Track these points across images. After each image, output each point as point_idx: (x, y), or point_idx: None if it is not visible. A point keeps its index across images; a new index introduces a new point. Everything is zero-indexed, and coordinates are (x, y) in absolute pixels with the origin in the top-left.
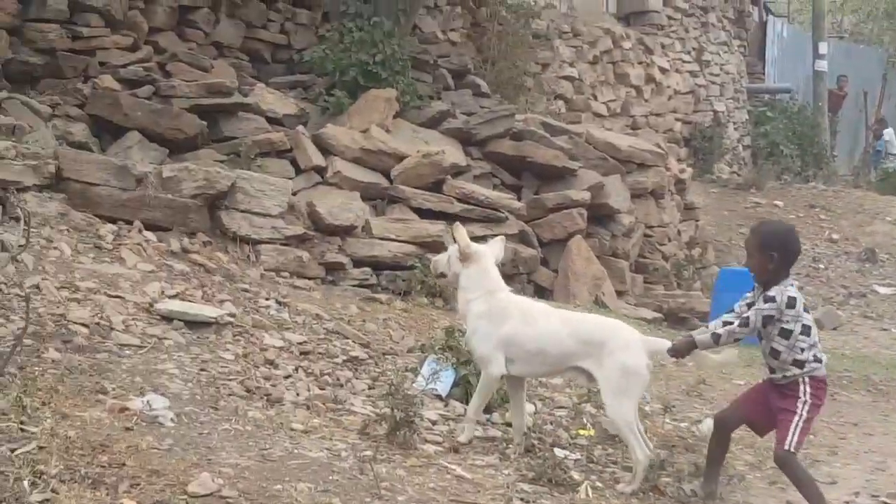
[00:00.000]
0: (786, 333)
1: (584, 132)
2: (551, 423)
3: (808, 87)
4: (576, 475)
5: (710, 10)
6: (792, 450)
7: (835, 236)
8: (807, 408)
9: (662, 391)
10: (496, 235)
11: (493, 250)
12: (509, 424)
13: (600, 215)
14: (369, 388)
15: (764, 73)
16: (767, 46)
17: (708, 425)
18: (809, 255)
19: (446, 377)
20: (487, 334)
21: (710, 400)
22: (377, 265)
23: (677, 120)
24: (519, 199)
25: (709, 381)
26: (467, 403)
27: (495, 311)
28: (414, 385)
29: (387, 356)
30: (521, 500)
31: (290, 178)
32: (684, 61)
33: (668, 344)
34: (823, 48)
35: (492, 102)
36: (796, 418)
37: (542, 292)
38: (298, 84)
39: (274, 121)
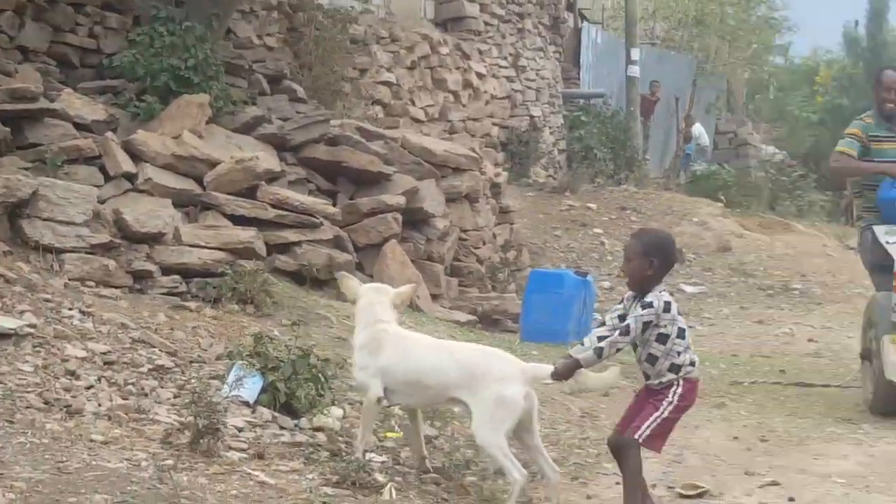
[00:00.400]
0: (663, 338)
1: (399, 137)
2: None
3: (622, 93)
4: (380, 477)
5: (526, 16)
6: (640, 440)
7: None
8: (671, 408)
9: None
10: (311, 241)
11: (390, 290)
12: (317, 429)
13: (415, 220)
14: (175, 397)
15: (579, 79)
16: (582, 52)
17: None
18: (620, 255)
19: (253, 383)
20: (364, 364)
21: None
22: (187, 273)
23: (494, 125)
24: (334, 204)
25: None
26: (276, 410)
27: (373, 342)
28: (220, 392)
29: (194, 364)
30: (324, 503)
31: (99, 186)
32: (501, 67)
33: (549, 369)
34: (636, 54)
35: (308, 108)
36: (656, 413)
37: None
38: (108, 89)
39: (82, 127)
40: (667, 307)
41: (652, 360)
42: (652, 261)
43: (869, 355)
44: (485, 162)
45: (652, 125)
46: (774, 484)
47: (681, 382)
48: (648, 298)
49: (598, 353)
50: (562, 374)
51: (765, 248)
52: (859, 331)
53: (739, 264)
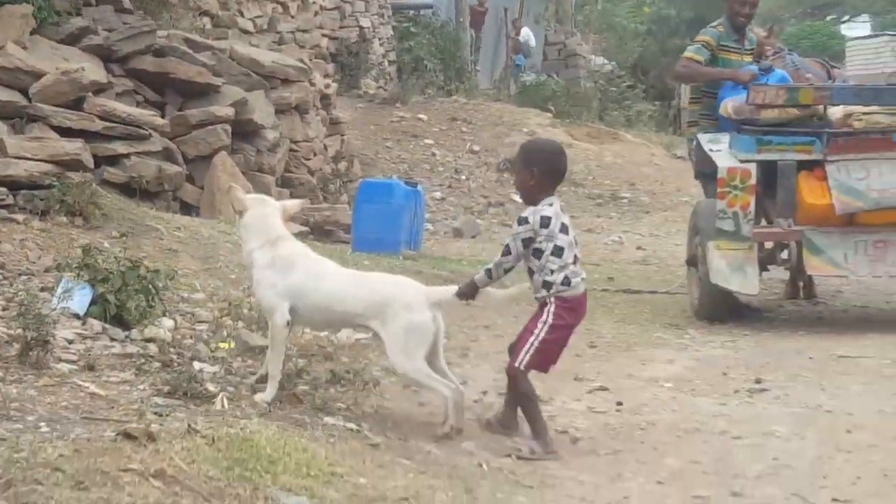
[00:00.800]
0: (538, 254)
1: (227, 48)
2: (191, 338)
3: (451, 3)
4: (212, 387)
5: None
6: (522, 368)
7: (475, 148)
8: (546, 328)
9: None
10: (140, 153)
11: (280, 202)
12: (148, 340)
13: (245, 131)
14: (3, 310)
15: None
16: None
17: (345, 333)
18: (452, 166)
19: (82, 295)
20: (273, 282)
21: None
22: (13, 185)
23: (324, 36)
24: (163, 116)
25: None
26: (106, 322)
27: (282, 260)
28: (49, 305)
29: (23, 276)
30: (155, 413)
31: None
32: None
33: (453, 290)
34: None
35: (134, 18)
36: (532, 338)
37: (188, 209)
38: None
39: None
40: (544, 222)
41: (530, 274)
42: (532, 170)
43: (695, 261)
44: (314, 73)
45: (482, 36)
46: (603, 389)
47: (553, 301)
48: (525, 214)
49: (488, 273)
50: (465, 294)
51: (594, 157)
52: (686, 238)
53: (569, 174)
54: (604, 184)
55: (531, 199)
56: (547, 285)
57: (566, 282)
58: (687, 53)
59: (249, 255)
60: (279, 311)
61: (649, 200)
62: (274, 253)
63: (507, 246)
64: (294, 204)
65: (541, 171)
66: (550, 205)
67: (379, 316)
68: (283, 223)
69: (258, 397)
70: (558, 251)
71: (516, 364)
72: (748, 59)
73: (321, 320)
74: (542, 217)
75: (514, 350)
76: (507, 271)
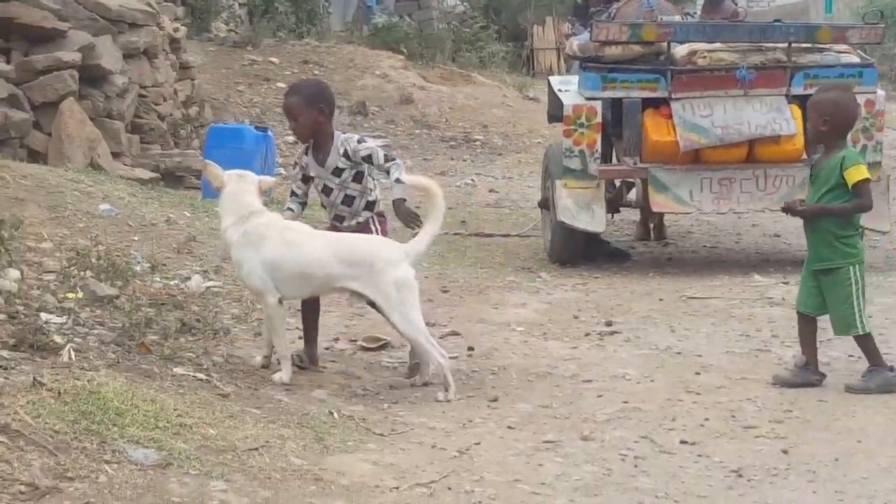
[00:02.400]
0: (359, 177)
1: None
2: (38, 289)
3: None
4: (58, 339)
5: None
6: None
7: None
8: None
9: (153, 249)
10: None
11: (255, 177)
12: None
13: (93, 77)
14: None
15: None
16: None
17: (197, 281)
18: None
19: None
20: (251, 265)
21: (201, 257)
22: None
23: None
24: (8, 61)
25: (199, 239)
26: None
27: (253, 235)
28: None
29: None
30: (1, 367)
31: None
32: None
33: (423, 242)
34: None
35: None
36: None
37: (36, 156)
38: None
39: None
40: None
41: (349, 200)
42: (321, 107)
43: (547, 204)
44: (163, 17)
45: None
46: (455, 334)
47: (375, 219)
48: (354, 136)
49: (401, 183)
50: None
51: (446, 99)
52: (539, 181)
53: (422, 116)
54: (456, 126)
55: (319, 138)
56: (370, 205)
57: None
58: None
59: (224, 233)
60: (268, 292)
61: (502, 143)
62: (244, 229)
63: (383, 154)
64: (270, 179)
65: (327, 108)
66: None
67: (360, 277)
68: (258, 198)
69: (276, 377)
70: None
71: None
72: None
73: (302, 288)
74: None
75: None
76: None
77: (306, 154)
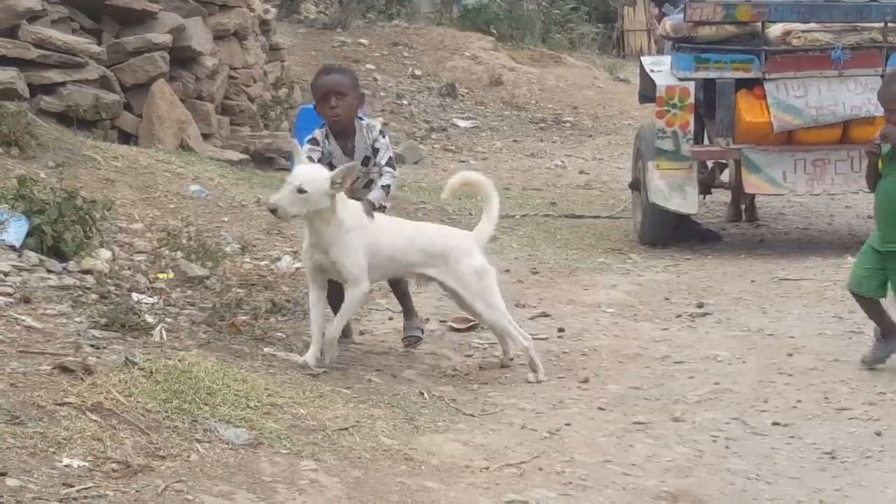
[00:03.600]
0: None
1: None
2: (130, 269)
3: None
4: (150, 319)
5: None
6: None
7: (417, 72)
8: None
9: (243, 230)
10: (76, 81)
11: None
12: (85, 272)
13: (183, 58)
14: None
15: None
16: None
17: (287, 262)
18: (393, 91)
19: (18, 227)
20: (358, 251)
21: (290, 237)
22: None
23: None
24: (99, 43)
25: None
26: (43, 253)
27: (357, 221)
28: None
29: None
30: (92, 346)
31: None
32: None
33: (488, 231)
34: None
35: None
36: None
37: (126, 138)
38: None
39: None
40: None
41: (369, 185)
42: (363, 94)
43: (638, 185)
44: None
45: None
46: (545, 315)
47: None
48: (374, 123)
49: (387, 191)
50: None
51: (536, 81)
52: (630, 162)
53: (511, 98)
54: (546, 108)
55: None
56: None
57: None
58: None
59: (339, 228)
60: (365, 280)
61: (592, 124)
62: (352, 216)
63: (392, 158)
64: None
65: (362, 93)
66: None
67: (439, 266)
68: None
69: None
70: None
71: None
72: None
73: (384, 274)
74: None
75: None
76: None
77: (327, 139)
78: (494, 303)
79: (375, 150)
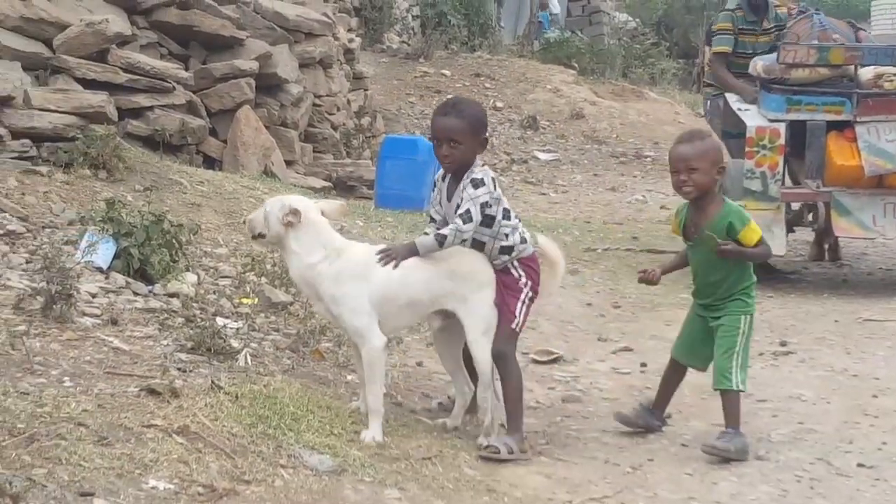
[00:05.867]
0: (489, 221)
1: (252, 1)
2: (215, 293)
3: None
4: (235, 343)
5: None
6: (518, 329)
7: (499, 104)
8: (528, 289)
9: None
10: (163, 106)
11: (319, 205)
12: (171, 295)
13: (269, 85)
14: (27, 262)
15: None
16: None
17: None
18: None
19: (106, 249)
20: (358, 300)
21: None
22: (37, 137)
23: None
24: (186, 69)
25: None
26: (130, 276)
27: (356, 268)
28: (72, 258)
29: (46, 229)
30: (179, 369)
31: None
32: None
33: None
34: None
35: None
36: (522, 295)
37: (211, 163)
38: None
39: None
40: (494, 184)
41: (479, 246)
42: (485, 139)
43: None
44: (338, 27)
45: None
46: (627, 350)
47: (516, 264)
48: (478, 175)
49: (441, 240)
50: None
51: (617, 115)
52: None
53: (592, 132)
54: (627, 142)
55: (465, 168)
56: (506, 250)
57: (523, 240)
58: (715, 48)
59: (309, 269)
60: (374, 334)
61: None
62: (345, 263)
63: (468, 211)
64: (331, 206)
65: (486, 135)
66: (484, 166)
67: (458, 293)
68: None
69: (366, 436)
70: (507, 213)
71: (513, 327)
72: (764, 39)
73: (407, 317)
74: (492, 178)
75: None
76: (463, 242)
77: (443, 181)
78: (489, 343)
79: (460, 198)
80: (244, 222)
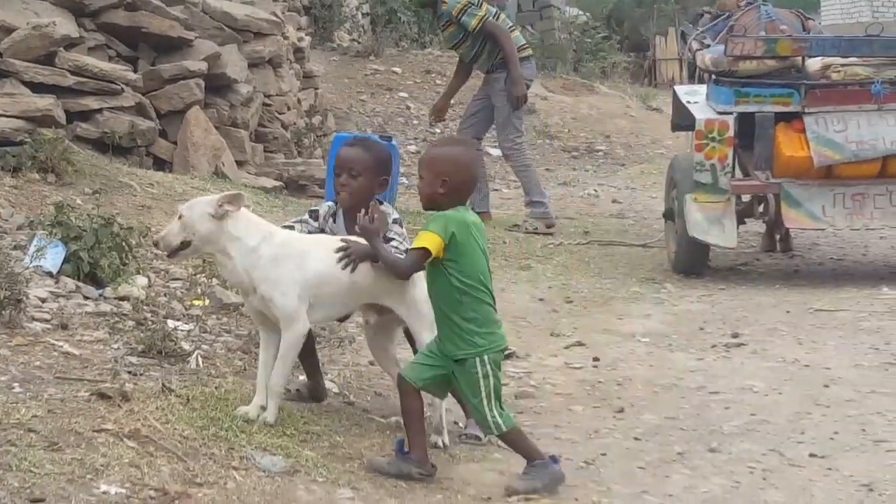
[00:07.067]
0: None
1: (200, 2)
2: (165, 296)
3: None
4: (186, 346)
5: None
6: None
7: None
8: None
9: None
10: (112, 108)
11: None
12: (121, 298)
13: (218, 85)
14: None
15: None
16: None
17: None
18: (426, 119)
19: (55, 253)
20: (291, 283)
21: None
22: None
23: None
24: (135, 70)
25: None
26: (80, 280)
27: (291, 252)
28: (21, 263)
29: None
30: (130, 373)
31: None
32: None
33: None
34: None
35: None
36: None
37: (161, 165)
38: None
39: None
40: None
41: None
42: (385, 179)
43: (671, 215)
44: (287, 26)
45: None
46: (580, 344)
47: None
48: (393, 214)
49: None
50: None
51: (569, 110)
52: (662, 191)
53: (544, 127)
54: (579, 136)
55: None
56: None
57: None
58: None
59: (248, 255)
60: (301, 320)
61: (625, 153)
62: (279, 246)
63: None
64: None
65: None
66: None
67: (395, 289)
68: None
69: (266, 416)
70: None
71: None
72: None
73: (339, 307)
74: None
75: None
76: None
77: (332, 217)
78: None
79: (389, 240)
80: (155, 244)
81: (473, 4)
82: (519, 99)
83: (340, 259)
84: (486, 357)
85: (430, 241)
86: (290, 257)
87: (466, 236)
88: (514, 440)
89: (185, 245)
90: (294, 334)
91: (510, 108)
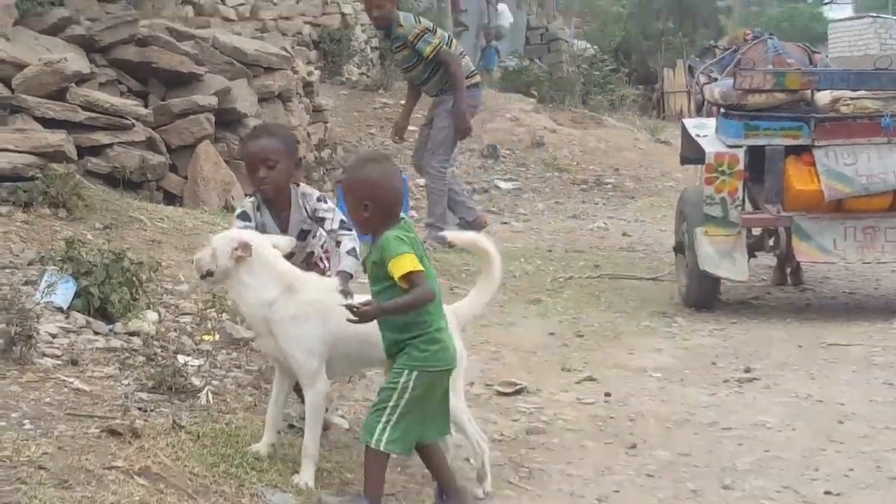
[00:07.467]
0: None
1: (210, 37)
2: (176, 331)
3: None
4: (196, 381)
5: None
6: None
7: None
8: None
9: None
10: (123, 143)
11: (271, 240)
12: (132, 334)
13: (228, 120)
14: None
15: None
16: None
17: None
18: None
19: (66, 289)
20: (313, 341)
21: None
22: None
23: (306, 23)
24: (146, 105)
25: None
26: (90, 315)
27: (313, 307)
28: (32, 298)
29: (6, 270)
30: (140, 409)
31: None
32: None
33: (475, 308)
34: None
35: (117, 8)
36: None
37: (171, 199)
38: None
39: None
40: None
41: (309, 258)
42: (299, 160)
43: (682, 248)
44: (297, 61)
45: (465, 21)
46: (591, 379)
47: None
48: (315, 194)
49: (354, 254)
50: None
51: (577, 142)
52: (672, 224)
53: (553, 159)
54: (588, 169)
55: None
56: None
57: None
58: None
59: (263, 307)
60: (321, 380)
61: (634, 186)
62: (300, 298)
63: (342, 221)
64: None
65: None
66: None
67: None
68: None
69: (299, 481)
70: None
71: None
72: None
73: (353, 365)
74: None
75: None
76: None
77: (258, 211)
78: (460, 393)
79: (321, 220)
80: (192, 262)
81: (429, 31)
82: (464, 131)
83: (352, 319)
84: (415, 373)
85: (412, 261)
86: (312, 316)
87: (422, 252)
88: (372, 463)
89: (210, 273)
90: (317, 395)
91: (451, 133)
